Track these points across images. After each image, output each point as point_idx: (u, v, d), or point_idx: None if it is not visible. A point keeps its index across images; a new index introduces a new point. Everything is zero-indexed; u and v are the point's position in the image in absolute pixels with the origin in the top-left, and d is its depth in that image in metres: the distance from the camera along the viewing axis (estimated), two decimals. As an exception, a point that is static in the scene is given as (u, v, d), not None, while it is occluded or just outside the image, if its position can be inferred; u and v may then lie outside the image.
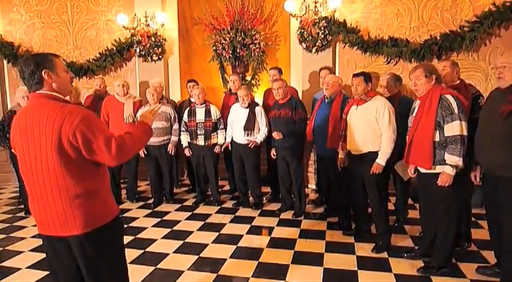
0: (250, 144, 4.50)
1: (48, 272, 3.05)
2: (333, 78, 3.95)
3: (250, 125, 4.47)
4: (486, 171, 2.73)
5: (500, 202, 2.60)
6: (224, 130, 4.76)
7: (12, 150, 4.34)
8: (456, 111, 2.68)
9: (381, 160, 3.23)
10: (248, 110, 4.50)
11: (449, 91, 2.80)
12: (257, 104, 4.66)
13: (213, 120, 4.72)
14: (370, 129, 3.29)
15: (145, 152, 4.78)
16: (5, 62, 6.46)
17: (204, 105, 4.75)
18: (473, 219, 3.74)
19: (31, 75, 1.77)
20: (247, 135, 4.50)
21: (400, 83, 4.02)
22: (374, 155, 3.27)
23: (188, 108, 4.85)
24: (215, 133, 4.77)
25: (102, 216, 1.84)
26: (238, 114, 4.59)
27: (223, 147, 4.76)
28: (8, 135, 4.48)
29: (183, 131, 4.83)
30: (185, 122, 4.82)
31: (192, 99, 5.13)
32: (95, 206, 1.81)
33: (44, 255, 3.39)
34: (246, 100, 4.47)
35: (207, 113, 4.72)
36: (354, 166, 3.52)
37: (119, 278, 1.99)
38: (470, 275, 2.91)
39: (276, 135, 4.18)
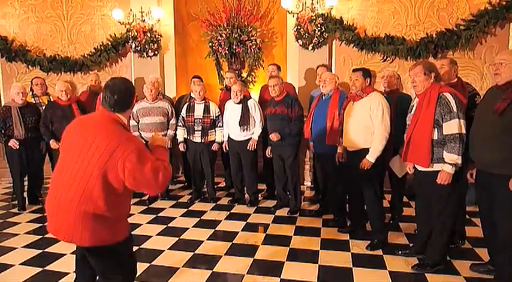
0: (250, 144, 4.49)
1: (41, 269, 3.08)
2: (330, 76, 3.94)
3: (244, 120, 4.46)
4: (479, 168, 2.74)
5: (494, 200, 2.61)
6: (222, 128, 4.74)
7: (11, 144, 4.38)
8: (455, 109, 2.68)
9: (371, 157, 3.24)
10: (241, 105, 4.48)
11: (448, 89, 2.80)
12: (250, 98, 4.64)
13: (212, 117, 4.70)
14: (364, 125, 3.29)
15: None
16: (-2, 56, 6.39)
17: (204, 101, 4.73)
18: (467, 216, 3.76)
19: (126, 100, 1.92)
20: (243, 130, 4.48)
21: (399, 80, 4.02)
22: (368, 151, 3.27)
23: (187, 104, 4.83)
24: (213, 130, 4.75)
25: (108, 240, 1.85)
26: (232, 110, 4.57)
27: (223, 146, 4.74)
28: (3, 131, 4.44)
29: (180, 126, 4.81)
30: (183, 117, 4.79)
31: (193, 95, 5.11)
32: (103, 229, 1.82)
33: (37, 252, 3.42)
34: (239, 95, 4.45)
35: (206, 109, 4.69)
36: (348, 163, 3.52)
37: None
38: (464, 272, 2.93)
39: (273, 136, 4.17)
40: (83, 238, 1.79)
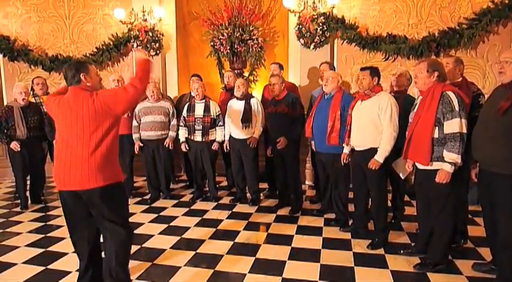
0: (251, 142, 4.49)
1: (43, 268, 3.09)
2: (332, 74, 3.92)
3: (247, 117, 4.45)
4: (482, 168, 2.74)
5: (496, 199, 2.61)
6: (223, 127, 4.74)
7: (12, 146, 4.43)
8: (457, 108, 2.67)
9: (379, 157, 3.22)
10: (244, 102, 4.48)
11: (451, 88, 2.79)
12: (252, 96, 4.64)
13: (212, 116, 4.70)
14: (372, 124, 3.27)
15: (141, 144, 4.79)
16: (0, 56, 6.40)
17: (204, 100, 4.74)
18: (469, 216, 3.75)
19: (73, 76, 2.43)
20: (245, 127, 4.47)
21: (410, 82, 3.97)
22: (376, 151, 3.25)
23: (188, 104, 4.84)
24: (213, 129, 4.75)
25: (115, 176, 2.43)
26: (234, 108, 4.57)
27: (224, 145, 4.74)
28: (5, 131, 4.45)
29: (181, 126, 4.82)
30: (184, 117, 4.80)
31: (193, 94, 5.12)
32: (112, 165, 2.41)
33: (40, 251, 3.43)
34: (242, 89, 4.46)
35: (206, 108, 4.70)
36: (355, 162, 3.51)
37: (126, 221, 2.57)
38: (466, 271, 2.92)
39: (282, 142, 4.16)
40: (98, 179, 2.31)
